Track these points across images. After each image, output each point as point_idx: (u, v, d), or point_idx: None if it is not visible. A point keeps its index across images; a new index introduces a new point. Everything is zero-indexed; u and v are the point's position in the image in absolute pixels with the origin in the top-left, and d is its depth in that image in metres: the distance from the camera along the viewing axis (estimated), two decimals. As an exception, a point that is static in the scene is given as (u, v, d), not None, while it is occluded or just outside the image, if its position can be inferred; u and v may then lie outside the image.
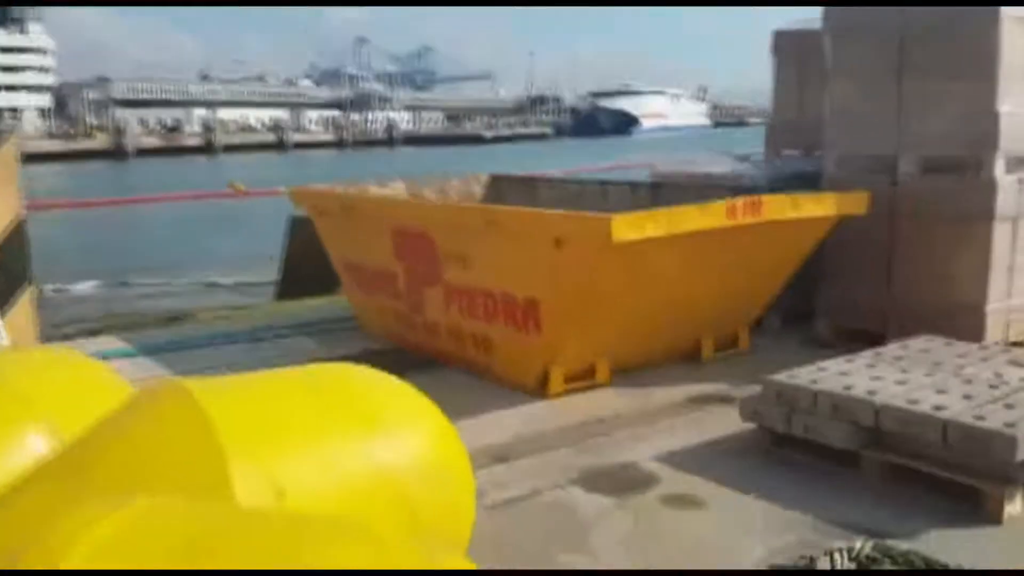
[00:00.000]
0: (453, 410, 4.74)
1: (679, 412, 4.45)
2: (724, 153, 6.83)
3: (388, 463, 2.18)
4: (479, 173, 7.31)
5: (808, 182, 5.73)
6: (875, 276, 5.38)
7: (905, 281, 5.26)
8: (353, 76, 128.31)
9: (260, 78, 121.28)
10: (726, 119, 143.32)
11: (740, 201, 4.37)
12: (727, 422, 4.21)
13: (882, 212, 5.16)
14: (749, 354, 5.40)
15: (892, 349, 4.17)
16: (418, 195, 6.97)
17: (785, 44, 7.30)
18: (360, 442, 2.17)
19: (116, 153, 73.73)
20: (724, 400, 4.60)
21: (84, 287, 14.57)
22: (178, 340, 6.11)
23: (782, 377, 3.73)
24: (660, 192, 6.00)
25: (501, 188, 7.22)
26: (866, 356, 4.05)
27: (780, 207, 4.54)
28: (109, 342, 6.16)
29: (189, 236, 20.35)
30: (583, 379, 4.80)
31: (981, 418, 3.13)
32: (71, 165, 60.84)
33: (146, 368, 5.49)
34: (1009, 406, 3.26)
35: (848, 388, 3.55)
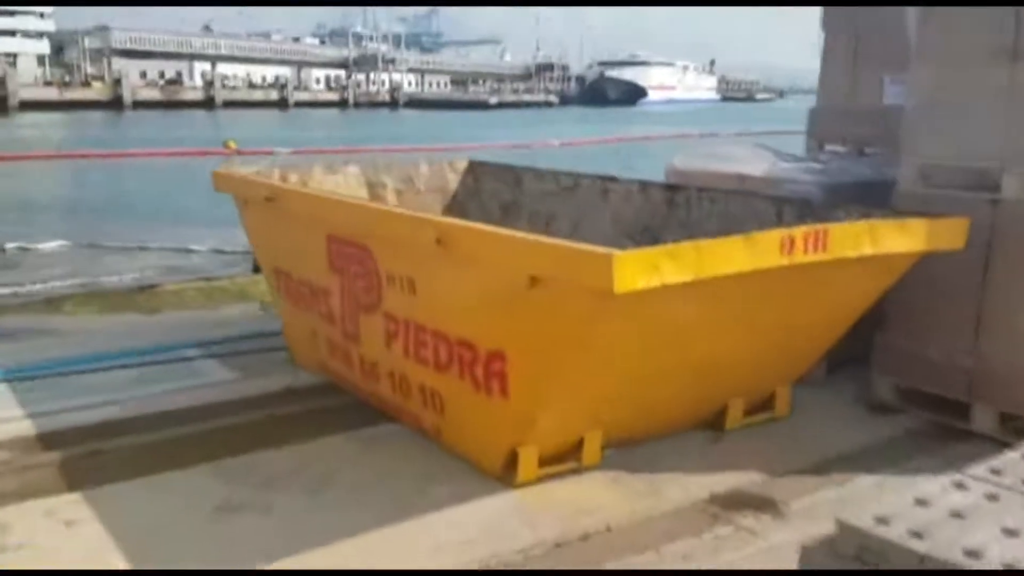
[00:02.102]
0: (376, 504, 3.16)
1: (698, 526, 3.14)
2: (759, 146, 5.46)
3: None
4: (455, 160, 5.95)
5: (875, 195, 4.39)
6: (959, 326, 4.04)
7: (1002, 335, 3.92)
8: (360, 35, 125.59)
9: (265, 34, 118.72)
10: (735, 93, 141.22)
11: (799, 232, 3.04)
12: (769, 549, 2.92)
13: (975, 242, 3.81)
14: (787, 421, 4.09)
15: (1015, 462, 2.85)
16: (376, 184, 5.62)
17: (838, 17, 5.93)
18: None
19: (113, 104, 72.12)
20: (762, 505, 3.29)
21: (51, 246, 13.38)
22: (60, 360, 4.78)
23: (867, 523, 2.41)
24: (678, 197, 4.66)
25: (480, 178, 5.87)
26: (981, 476, 2.72)
27: (854, 240, 3.21)
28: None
29: (173, 195, 19.05)
30: (565, 459, 3.50)
31: None
32: (66, 115, 59.31)
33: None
34: None
35: (972, 554, 2.24)
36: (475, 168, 5.93)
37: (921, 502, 2.56)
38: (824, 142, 6.05)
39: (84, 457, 3.63)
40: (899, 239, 3.36)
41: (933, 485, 2.68)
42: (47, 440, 3.78)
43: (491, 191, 5.80)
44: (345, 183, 5.52)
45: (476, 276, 3.26)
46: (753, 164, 4.94)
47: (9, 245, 13.14)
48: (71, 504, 3.24)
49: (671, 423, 3.82)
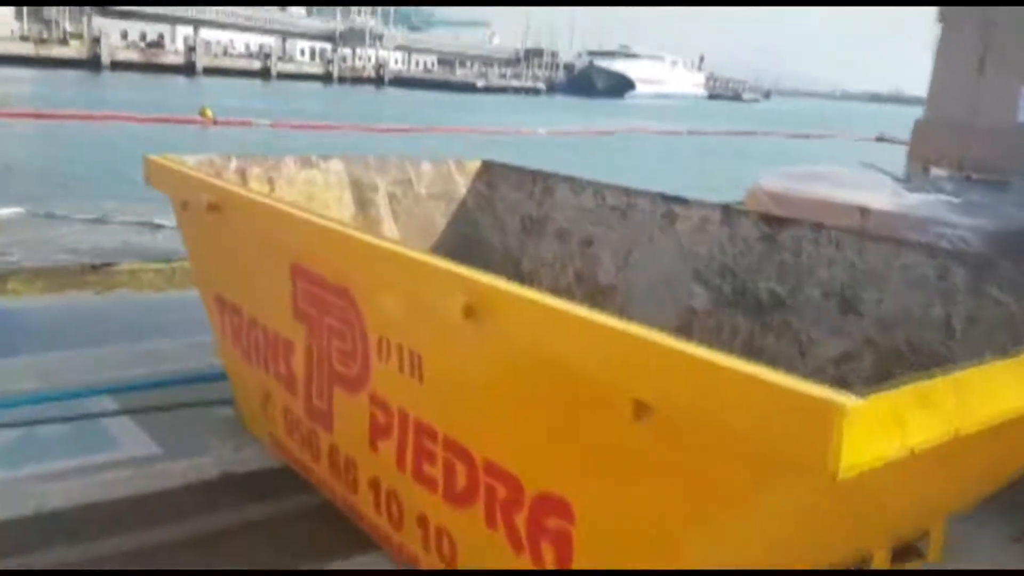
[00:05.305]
0: None
1: None
2: (865, 165, 4.22)
3: None
4: (464, 160, 4.64)
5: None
6: None
7: None
8: (348, 8, 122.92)
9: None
10: (722, 91, 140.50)
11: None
12: None
13: None
14: (941, 570, 2.86)
15: None
16: (366, 186, 4.32)
17: (962, 12, 4.70)
18: None
19: (91, 63, 69.90)
20: None
21: (5, 213, 12.17)
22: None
23: None
24: (782, 235, 3.39)
25: (495, 183, 4.57)
26: None
27: None
28: None
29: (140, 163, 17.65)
30: (643, 654, 2.25)
31: None
32: (40, 72, 56.96)
33: None
34: None
35: None
36: (490, 170, 4.63)
37: None
38: (930, 163, 4.84)
39: None
40: None
41: None
42: None
43: (510, 201, 4.51)
44: (324, 182, 4.22)
45: (531, 378, 1.98)
46: (873, 193, 3.69)
47: (-38, 211, 11.93)
48: None
49: (791, 585, 2.58)
